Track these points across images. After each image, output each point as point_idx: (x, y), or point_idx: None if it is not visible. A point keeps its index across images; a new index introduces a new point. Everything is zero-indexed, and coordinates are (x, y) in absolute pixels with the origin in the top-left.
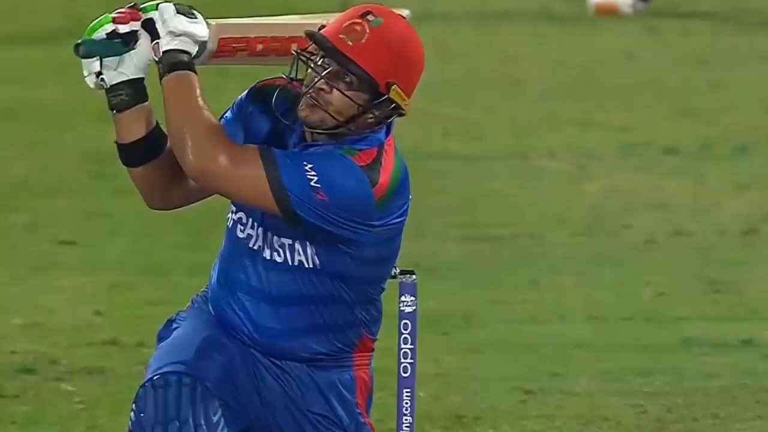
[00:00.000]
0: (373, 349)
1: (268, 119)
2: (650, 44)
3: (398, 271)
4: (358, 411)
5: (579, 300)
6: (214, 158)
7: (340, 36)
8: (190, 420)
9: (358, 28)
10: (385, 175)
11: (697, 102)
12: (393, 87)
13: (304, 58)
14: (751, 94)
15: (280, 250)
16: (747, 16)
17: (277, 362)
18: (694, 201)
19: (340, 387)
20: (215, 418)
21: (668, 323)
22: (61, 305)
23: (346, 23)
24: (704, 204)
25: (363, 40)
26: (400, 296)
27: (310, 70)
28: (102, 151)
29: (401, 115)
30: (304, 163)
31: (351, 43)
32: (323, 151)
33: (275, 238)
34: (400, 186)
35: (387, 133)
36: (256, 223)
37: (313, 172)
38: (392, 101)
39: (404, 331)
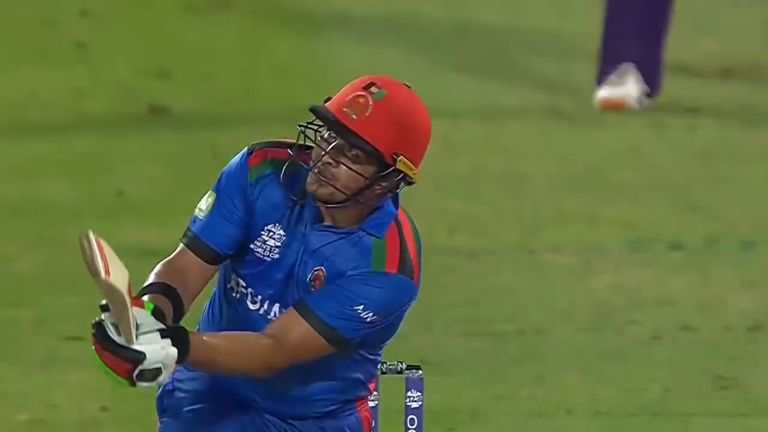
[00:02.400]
0: (374, 389)
1: (277, 195)
2: (656, 139)
3: (405, 366)
4: None
5: (585, 396)
6: (278, 367)
7: (344, 110)
8: None
9: (361, 100)
10: (413, 254)
11: (703, 197)
12: (399, 158)
13: (311, 131)
14: (757, 191)
15: None
16: (753, 113)
17: (288, 421)
18: (700, 297)
19: (348, 431)
20: None
21: (675, 419)
22: (67, 401)
23: (350, 96)
24: (710, 300)
25: (367, 113)
26: (407, 391)
27: (315, 145)
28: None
29: (410, 183)
30: (355, 308)
31: (355, 117)
32: (360, 277)
33: None
34: (420, 251)
35: (395, 201)
36: (267, 302)
37: (367, 312)
38: (400, 171)
39: (411, 426)
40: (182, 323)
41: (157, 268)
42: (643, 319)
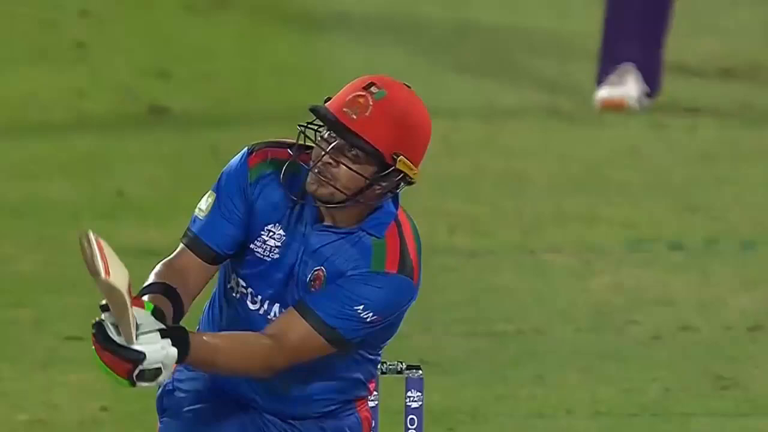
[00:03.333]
0: (374, 389)
1: (277, 195)
2: (656, 139)
3: (405, 366)
4: None
5: (585, 396)
6: (277, 367)
7: (344, 110)
8: None
9: (361, 100)
10: (413, 254)
11: (703, 197)
12: (399, 158)
13: (311, 131)
14: (757, 190)
15: None
16: (753, 113)
17: (288, 421)
18: (700, 297)
19: (348, 431)
20: None
21: (675, 419)
22: (67, 401)
23: (350, 96)
24: (710, 300)
25: (367, 113)
26: (407, 391)
27: (315, 145)
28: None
29: (410, 183)
30: (355, 308)
31: (355, 117)
32: (360, 277)
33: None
34: (420, 251)
35: (395, 201)
36: (267, 302)
37: (367, 312)
38: (400, 171)
39: (411, 427)
40: (182, 323)
41: (157, 268)
42: (643, 319)
